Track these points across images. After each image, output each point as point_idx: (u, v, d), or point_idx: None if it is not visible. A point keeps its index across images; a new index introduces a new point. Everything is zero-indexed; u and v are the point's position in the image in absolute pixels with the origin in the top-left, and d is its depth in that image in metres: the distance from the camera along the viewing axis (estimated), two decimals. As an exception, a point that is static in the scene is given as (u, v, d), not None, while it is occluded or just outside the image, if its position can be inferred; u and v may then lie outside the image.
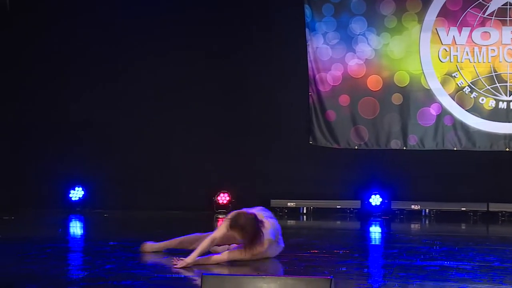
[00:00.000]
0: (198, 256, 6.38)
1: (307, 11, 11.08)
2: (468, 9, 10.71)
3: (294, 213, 11.24)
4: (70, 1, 11.58)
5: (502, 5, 10.62)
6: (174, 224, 10.16)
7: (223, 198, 11.32)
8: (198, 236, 6.88)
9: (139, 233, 8.77)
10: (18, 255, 6.89)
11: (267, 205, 11.10)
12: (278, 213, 11.14)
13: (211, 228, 10.03)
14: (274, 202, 11.24)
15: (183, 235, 7.09)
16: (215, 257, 6.50)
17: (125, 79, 11.49)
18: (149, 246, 7.13)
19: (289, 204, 11.27)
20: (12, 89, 11.61)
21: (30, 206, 11.09)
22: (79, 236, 9.35)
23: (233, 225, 6.51)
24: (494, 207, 10.79)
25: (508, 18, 10.63)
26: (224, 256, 6.51)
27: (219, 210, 11.22)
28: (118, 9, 11.41)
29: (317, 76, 11.12)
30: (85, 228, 10.11)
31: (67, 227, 9.97)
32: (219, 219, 10.76)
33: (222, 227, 6.63)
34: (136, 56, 11.42)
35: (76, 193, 11.50)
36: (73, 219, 10.62)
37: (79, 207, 11.38)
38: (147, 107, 11.45)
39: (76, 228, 10.13)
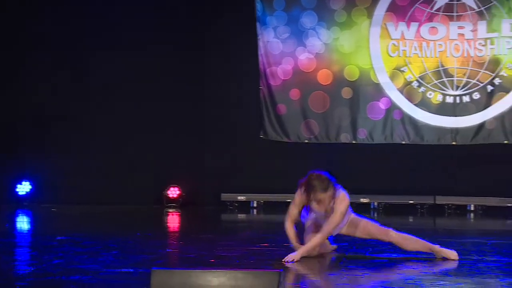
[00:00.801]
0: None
1: (258, 5, 11.08)
2: (416, 5, 10.84)
3: (245, 207, 11.26)
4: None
5: (449, 1, 10.78)
6: (123, 218, 10.09)
7: (173, 192, 11.28)
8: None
9: (87, 228, 8.71)
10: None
11: (217, 199, 11.17)
12: (229, 207, 11.18)
13: (160, 222, 10.05)
14: (224, 196, 11.26)
15: None
16: (313, 243, 6.34)
17: (76, 74, 11.36)
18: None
19: (239, 198, 11.28)
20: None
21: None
22: (26, 231, 9.22)
23: (306, 189, 6.47)
24: (440, 200, 10.97)
25: (455, 14, 10.79)
26: (318, 236, 6.33)
27: (169, 204, 11.19)
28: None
29: (267, 70, 11.15)
30: (32, 223, 9.99)
31: (14, 222, 9.83)
32: (169, 213, 10.73)
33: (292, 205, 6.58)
34: (89, 53, 11.29)
35: (24, 188, 11.35)
36: (20, 214, 10.47)
37: (26, 202, 11.24)
38: (96, 102, 11.34)
39: (23, 223, 9.99)
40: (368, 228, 6.59)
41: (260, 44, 11.12)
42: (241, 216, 10.74)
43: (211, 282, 3.93)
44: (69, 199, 11.02)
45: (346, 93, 11.06)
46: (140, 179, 11.14)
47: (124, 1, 11.33)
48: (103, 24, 11.29)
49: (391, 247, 6.86)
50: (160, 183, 11.16)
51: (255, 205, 11.33)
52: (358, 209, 11.05)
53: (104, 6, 11.29)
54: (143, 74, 11.28)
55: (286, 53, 11.09)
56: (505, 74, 10.72)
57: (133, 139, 11.28)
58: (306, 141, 11.20)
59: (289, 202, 11.04)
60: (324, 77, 11.08)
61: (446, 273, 5.90)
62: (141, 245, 7.30)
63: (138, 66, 11.27)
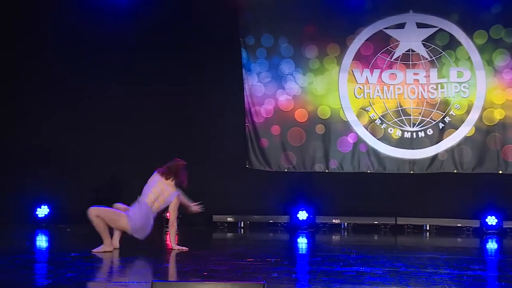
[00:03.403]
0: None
1: (244, 54, 11.17)
2: (378, 54, 10.95)
3: (233, 227, 11.20)
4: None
5: (406, 52, 10.91)
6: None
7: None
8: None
9: (95, 245, 8.60)
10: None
11: (209, 220, 11.08)
12: (219, 227, 11.10)
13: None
14: (216, 217, 11.19)
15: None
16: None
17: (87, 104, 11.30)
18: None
19: (228, 219, 11.23)
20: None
21: (2, 223, 10.75)
22: (44, 249, 9.10)
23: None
24: (401, 220, 10.97)
25: (410, 62, 10.90)
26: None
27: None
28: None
29: (252, 109, 11.20)
30: (49, 241, 9.86)
31: (34, 241, 9.70)
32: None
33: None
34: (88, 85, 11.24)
35: (42, 211, 11.24)
36: (39, 234, 10.34)
37: (44, 223, 11.11)
38: (98, 132, 11.27)
39: (41, 241, 9.86)
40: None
41: (246, 87, 11.18)
42: (230, 234, 10.67)
43: (205, 292, 3.90)
44: (83, 220, 10.85)
45: (319, 129, 11.10)
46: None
47: (122, 41, 11.25)
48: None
49: (359, 262, 6.83)
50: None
51: (242, 225, 11.28)
52: (330, 228, 11.17)
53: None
54: (144, 112, 11.20)
55: (267, 95, 11.15)
56: (453, 114, 10.81)
57: (133, 168, 11.21)
58: (286, 170, 11.21)
59: (271, 222, 11.11)
60: (300, 115, 11.13)
61: (407, 284, 5.87)
62: (141, 260, 7.22)
63: (141, 104, 11.19)
